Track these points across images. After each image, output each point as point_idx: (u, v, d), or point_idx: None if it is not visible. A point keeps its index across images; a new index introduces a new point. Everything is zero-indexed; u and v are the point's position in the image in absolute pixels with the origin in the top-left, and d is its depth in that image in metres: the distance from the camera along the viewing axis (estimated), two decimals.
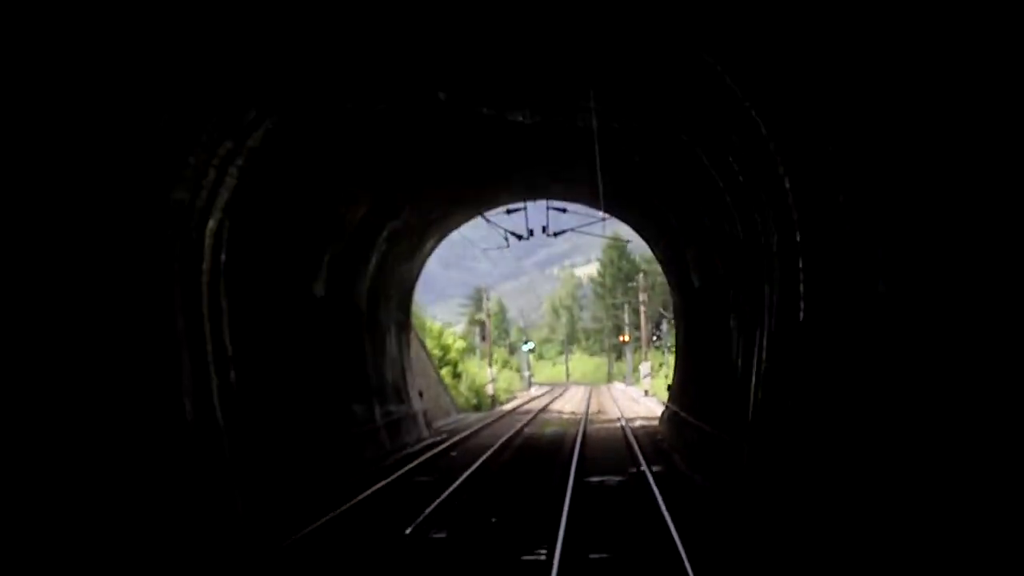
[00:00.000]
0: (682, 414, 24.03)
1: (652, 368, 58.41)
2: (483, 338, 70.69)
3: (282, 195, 16.14)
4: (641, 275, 68.98)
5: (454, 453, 23.09)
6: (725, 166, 13.76)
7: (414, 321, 34.04)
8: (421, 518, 13.03)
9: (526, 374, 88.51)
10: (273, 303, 16.80)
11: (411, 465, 19.56)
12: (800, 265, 10.97)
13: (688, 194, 18.21)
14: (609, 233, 68.11)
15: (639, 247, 53.48)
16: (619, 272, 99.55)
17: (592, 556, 10.57)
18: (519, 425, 32.15)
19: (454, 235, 31.42)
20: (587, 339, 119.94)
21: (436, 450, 23.13)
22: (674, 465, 19.14)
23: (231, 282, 14.35)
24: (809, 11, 8.77)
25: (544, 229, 28.23)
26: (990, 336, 6.64)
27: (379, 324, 25.77)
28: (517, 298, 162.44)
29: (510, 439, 26.65)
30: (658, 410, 34.82)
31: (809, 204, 10.52)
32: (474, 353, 70.48)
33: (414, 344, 33.48)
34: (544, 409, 44.99)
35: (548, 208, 28.27)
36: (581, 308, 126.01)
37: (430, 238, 28.88)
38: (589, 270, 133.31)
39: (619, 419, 34.45)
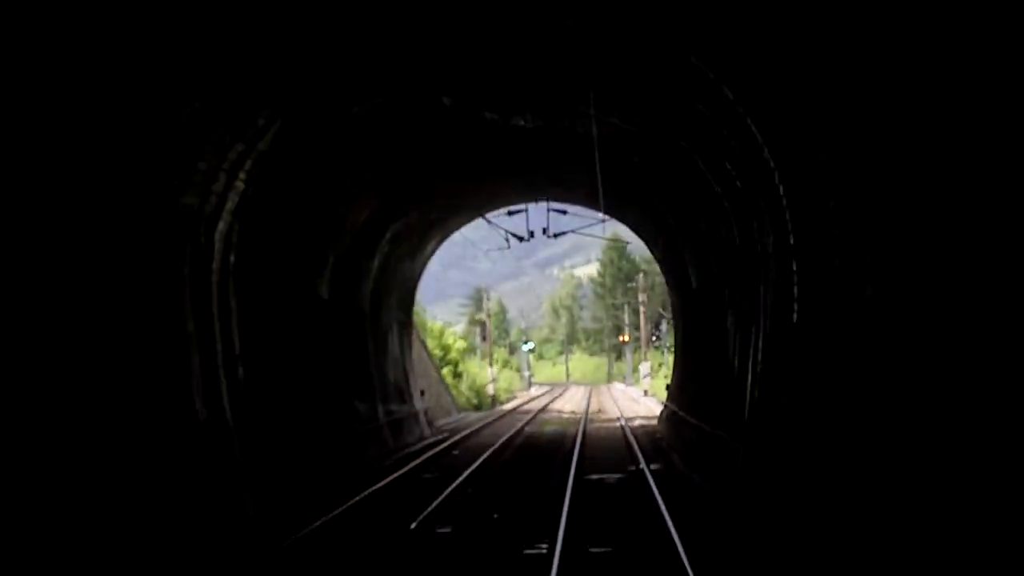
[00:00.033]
0: (681, 413, 24.33)
1: (652, 368, 58.69)
2: (483, 338, 71.02)
3: (289, 198, 16.47)
4: (641, 275, 69.29)
5: (456, 451, 23.42)
6: (722, 171, 14.10)
7: (415, 321, 34.36)
8: (425, 513, 13.37)
9: (526, 374, 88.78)
10: (279, 304, 17.14)
11: (414, 463, 19.89)
12: (794, 267, 11.31)
13: (686, 197, 18.55)
14: (609, 233, 68.41)
15: (639, 248, 53.79)
16: (619, 272, 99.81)
17: (592, 550, 10.90)
18: (519, 424, 32.46)
19: (455, 235, 31.74)
20: (587, 339, 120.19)
21: (438, 448, 23.45)
22: (672, 463, 19.46)
23: (239, 283, 14.69)
24: (800, 22, 9.10)
25: (545, 231, 28.52)
26: (971, 338, 6.96)
27: (381, 324, 26.12)
28: (517, 298, 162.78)
29: (511, 438, 26.97)
30: (657, 410, 35.12)
31: (803, 209, 10.86)
32: (474, 353, 70.82)
33: (416, 344, 33.81)
34: (544, 409, 45.28)
35: (549, 210, 28.59)
36: (581, 308, 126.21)
37: (431, 239, 29.23)
38: (589, 270, 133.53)
39: (618, 418, 34.76)
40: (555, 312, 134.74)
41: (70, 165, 9.99)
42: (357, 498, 14.76)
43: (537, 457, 21.92)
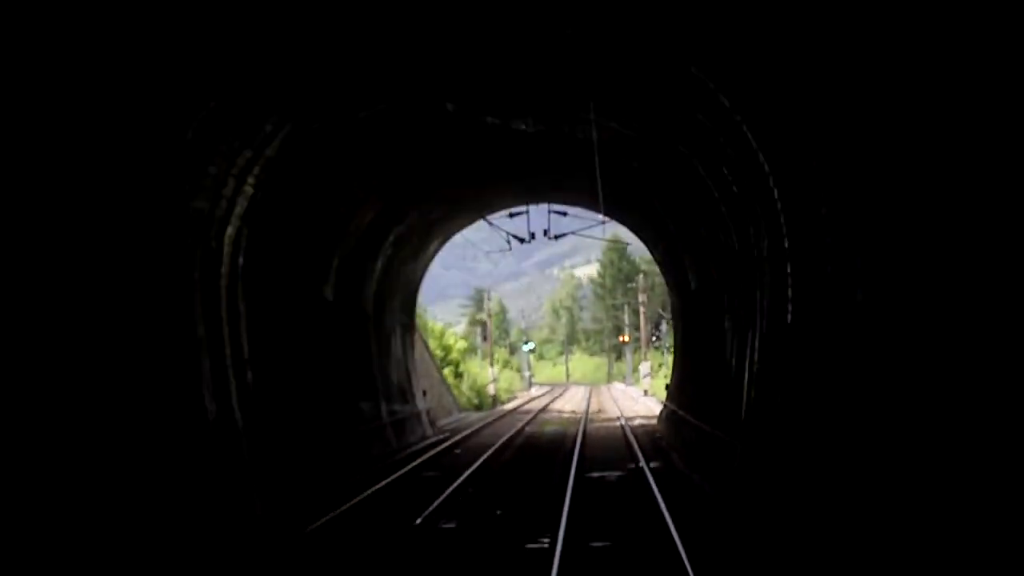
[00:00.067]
0: (680, 413, 24.65)
1: (651, 368, 58.99)
2: (484, 338, 71.33)
3: (295, 202, 16.81)
4: (641, 276, 69.61)
5: (458, 450, 23.77)
6: (720, 177, 14.45)
7: (417, 322, 34.70)
8: (430, 510, 13.71)
9: (527, 374, 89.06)
10: (286, 306, 17.48)
11: (417, 461, 20.23)
12: (788, 271, 11.65)
13: (685, 200, 18.88)
14: (609, 234, 68.68)
15: (639, 249, 54.08)
16: (619, 273, 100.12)
17: (592, 544, 11.24)
18: (520, 424, 32.79)
19: (456, 236, 32.07)
20: (587, 339, 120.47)
21: (440, 447, 23.80)
22: (671, 462, 19.80)
23: (247, 286, 15.03)
24: (795, 37, 9.44)
25: (546, 232, 28.84)
26: (955, 340, 7.30)
27: (385, 325, 26.47)
28: (517, 298, 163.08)
29: (512, 437, 27.31)
30: (657, 409, 35.44)
31: (797, 214, 11.20)
32: (475, 353, 71.14)
33: (418, 345, 34.14)
34: (545, 409, 45.60)
35: (549, 211, 28.92)
36: (581, 309, 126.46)
37: (433, 241, 29.57)
38: (589, 270, 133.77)
39: (618, 418, 35.08)
40: (555, 312, 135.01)
41: (87, 172, 10.32)
42: (363, 495, 15.11)
43: (538, 456, 22.26)
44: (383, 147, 18.39)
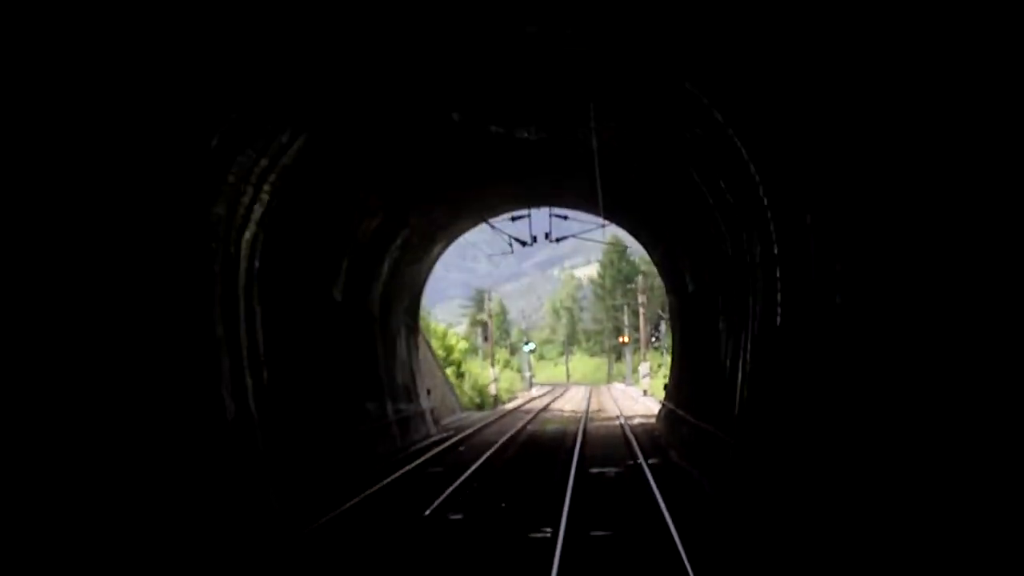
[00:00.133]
0: (678, 412, 25.27)
1: (651, 368, 59.55)
2: (485, 339, 71.95)
3: (308, 207, 17.48)
4: (640, 277, 70.19)
5: (462, 448, 24.44)
6: (714, 185, 15.12)
7: (420, 323, 35.35)
8: (437, 503, 14.39)
9: (527, 374, 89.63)
10: (297, 307, 18.15)
11: (423, 458, 20.90)
12: (777, 276, 12.33)
13: (682, 206, 19.55)
14: (609, 236, 68.89)
15: (638, 250, 54.69)
16: (619, 274, 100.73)
17: (593, 534, 11.92)
18: (521, 423, 33.43)
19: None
20: (587, 340, 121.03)
21: (444, 445, 24.46)
22: (669, 459, 20.46)
23: (263, 288, 15.70)
24: (783, 59, 10.11)
25: (547, 235, 29.46)
26: (922, 342, 7.97)
27: (390, 327, 27.14)
28: (518, 299, 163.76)
29: (514, 436, 27.97)
30: (656, 409, 36.03)
31: (785, 222, 11.88)
32: (476, 354, 71.78)
33: (421, 345, 34.80)
34: (545, 408, 46.20)
35: (551, 215, 29.56)
36: (581, 309, 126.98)
37: (437, 244, 30.22)
38: (589, 271, 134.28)
39: (618, 417, 35.67)
40: (556, 313, 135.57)
41: (120, 184, 10.99)
42: (372, 489, 15.78)
43: (540, 453, 22.91)
44: (391, 155, 19.07)
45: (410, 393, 28.78)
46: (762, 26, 9.99)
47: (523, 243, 29.86)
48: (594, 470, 18.68)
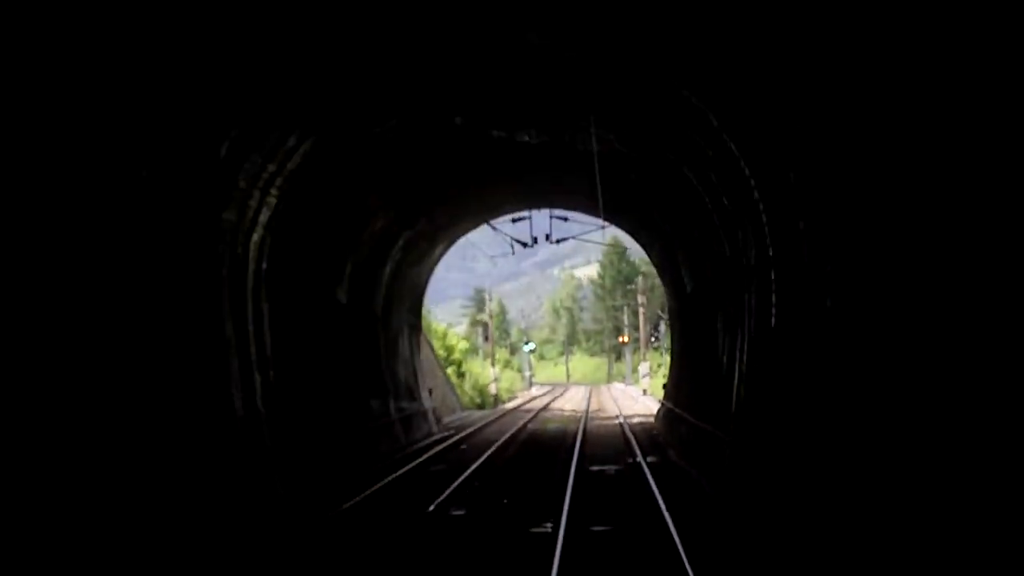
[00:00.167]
0: (677, 411, 25.60)
1: (651, 368, 59.85)
2: (486, 338, 72.30)
3: (313, 210, 17.84)
4: (640, 277, 70.53)
5: (464, 446, 24.79)
6: (712, 188, 15.48)
7: (422, 323, 35.70)
8: (441, 498, 14.74)
9: (527, 374, 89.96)
10: (303, 308, 18.51)
11: (426, 456, 21.25)
12: (772, 277, 12.68)
13: (680, 209, 19.90)
14: (608, 237, 69.05)
15: (638, 251, 54.98)
16: (618, 274, 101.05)
17: (593, 528, 12.27)
18: (522, 422, 33.75)
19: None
20: (587, 340, 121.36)
21: (447, 443, 24.80)
22: (668, 457, 20.80)
23: (270, 289, 16.06)
24: (773, 66, 10.46)
25: (548, 237, 29.82)
26: (909, 345, 8.32)
27: (392, 327, 27.50)
28: (517, 299, 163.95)
29: (515, 434, 28.31)
30: (655, 408, 36.35)
31: (780, 226, 12.23)
32: (477, 353, 72.12)
33: (423, 345, 35.15)
34: (546, 408, 46.52)
35: (551, 216, 29.92)
36: (581, 309, 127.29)
37: (439, 245, 30.58)
38: (589, 271, 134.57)
39: (618, 416, 35.99)
40: (555, 313, 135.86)
41: (138, 192, 11.35)
42: (377, 486, 16.13)
43: (540, 451, 23.24)
44: (395, 158, 19.42)
45: (412, 392, 29.14)
46: (756, 38, 10.34)
47: (524, 244, 30.24)
48: (594, 468, 19.03)
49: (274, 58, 12.45)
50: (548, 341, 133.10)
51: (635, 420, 33.90)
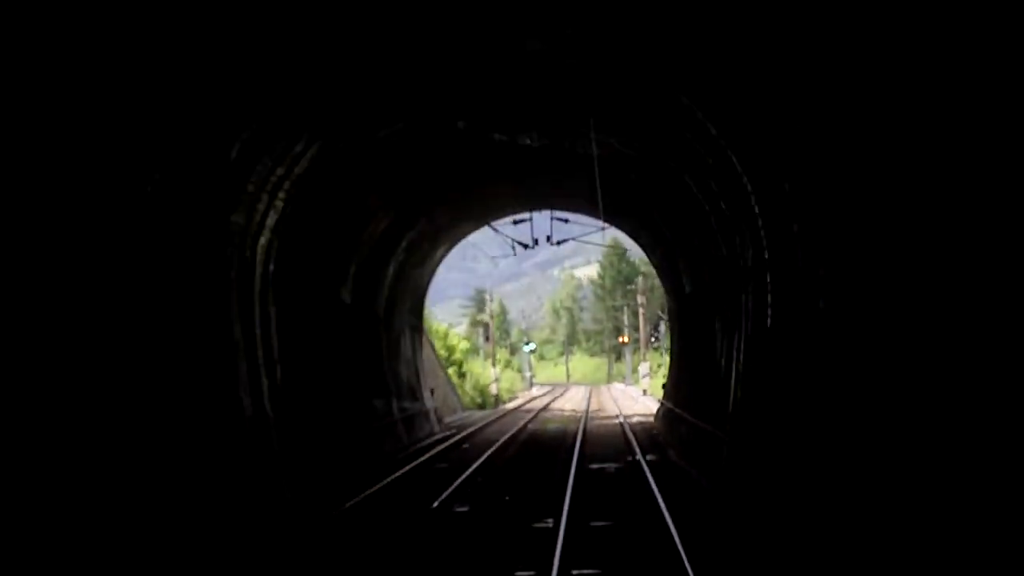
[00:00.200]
0: (676, 410, 25.88)
1: (650, 368, 60.10)
2: (487, 339, 72.59)
3: (319, 213, 18.16)
4: (640, 278, 70.80)
5: (466, 445, 25.11)
6: (709, 193, 15.80)
7: (424, 324, 36.01)
8: (444, 496, 15.07)
9: (527, 374, 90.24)
10: (308, 309, 18.83)
11: (428, 455, 21.57)
12: (768, 280, 13.01)
13: (679, 212, 20.22)
14: (609, 239, 69.22)
15: (638, 252, 55.24)
16: (619, 275, 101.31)
17: (593, 524, 12.59)
18: (523, 422, 34.05)
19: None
20: (587, 340, 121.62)
21: (449, 443, 25.12)
22: (667, 455, 21.11)
23: (276, 291, 16.38)
24: (768, 75, 10.79)
25: (548, 238, 30.14)
26: (897, 346, 8.65)
27: (395, 327, 27.82)
28: (518, 299, 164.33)
29: (516, 434, 28.62)
30: (655, 408, 36.62)
31: (775, 230, 12.56)
32: (477, 354, 72.42)
33: (424, 345, 35.46)
34: (546, 408, 46.80)
35: (552, 218, 30.23)
36: (581, 309, 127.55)
37: (441, 246, 30.90)
38: (589, 271, 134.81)
39: (618, 416, 36.25)
40: (556, 313, 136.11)
41: (149, 195, 11.67)
42: (381, 483, 16.45)
43: (541, 450, 23.55)
44: (398, 161, 19.75)
45: (415, 392, 29.46)
46: (752, 47, 10.66)
47: (525, 246, 30.54)
48: (594, 466, 19.34)
49: (285, 64, 12.77)
50: (548, 341, 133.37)
51: (635, 420, 34.18)
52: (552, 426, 33.00)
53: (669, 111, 14.17)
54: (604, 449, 23.24)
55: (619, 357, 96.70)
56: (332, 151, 16.31)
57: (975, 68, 7.07)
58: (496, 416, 39.05)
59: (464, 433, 28.67)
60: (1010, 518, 6.66)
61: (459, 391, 46.95)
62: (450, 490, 15.70)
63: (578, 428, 29.22)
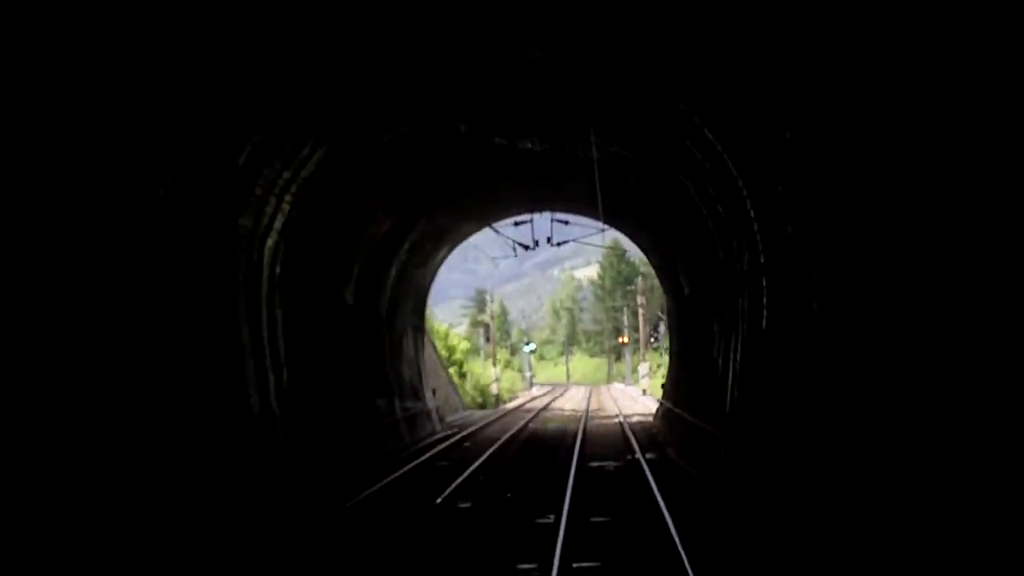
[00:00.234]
0: (675, 410, 26.17)
1: (650, 369, 60.35)
2: (487, 339, 72.89)
3: (324, 216, 18.49)
4: (639, 279, 71.08)
5: (467, 444, 25.43)
6: (707, 196, 16.13)
7: (425, 324, 36.32)
8: (447, 492, 15.40)
9: (528, 374, 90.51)
10: (312, 310, 19.15)
11: (430, 453, 21.89)
12: (763, 282, 13.34)
13: (678, 215, 20.54)
14: (608, 240, 69.47)
15: (638, 252, 55.51)
16: (618, 275, 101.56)
17: (593, 520, 12.92)
18: (523, 421, 34.34)
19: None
20: (587, 340, 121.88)
21: (450, 441, 25.44)
22: (666, 454, 21.43)
23: (283, 293, 16.70)
24: (763, 83, 11.11)
25: (549, 240, 30.47)
26: (889, 347, 8.96)
27: (397, 328, 28.15)
28: (518, 299, 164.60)
29: (516, 433, 28.93)
30: (654, 407, 36.91)
31: (770, 233, 12.88)
32: (478, 354, 72.73)
33: (426, 346, 35.77)
34: (546, 407, 47.06)
35: (552, 220, 30.56)
36: (581, 310, 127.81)
37: (443, 248, 31.23)
38: (589, 272, 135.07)
39: (617, 415, 36.52)
40: (556, 313, 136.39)
41: (161, 198, 11.99)
42: (385, 481, 16.79)
43: (542, 449, 23.86)
44: (401, 165, 20.09)
45: (417, 392, 29.79)
46: (748, 55, 10.99)
47: (525, 247, 30.89)
48: (594, 464, 19.66)
49: (293, 70, 13.10)
50: (548, 342, 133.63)
51: (634, 419, 34.47)
52: (552, 425, 33.28)
53: (667, 117, 14.50)
54: (604, 448, 23.54)
55: (619, 357, 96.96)
56: (338, 155, 16.64)
57: (965, 74, 7.38)
58: (497, 416, 39.35)
59: (465, 432, 28.98)
60: (1007, 516, 6.89)
61: (460, 391, 47.26)
62: (453, 487, 16.03)
63: (578, 427, 29.50)
